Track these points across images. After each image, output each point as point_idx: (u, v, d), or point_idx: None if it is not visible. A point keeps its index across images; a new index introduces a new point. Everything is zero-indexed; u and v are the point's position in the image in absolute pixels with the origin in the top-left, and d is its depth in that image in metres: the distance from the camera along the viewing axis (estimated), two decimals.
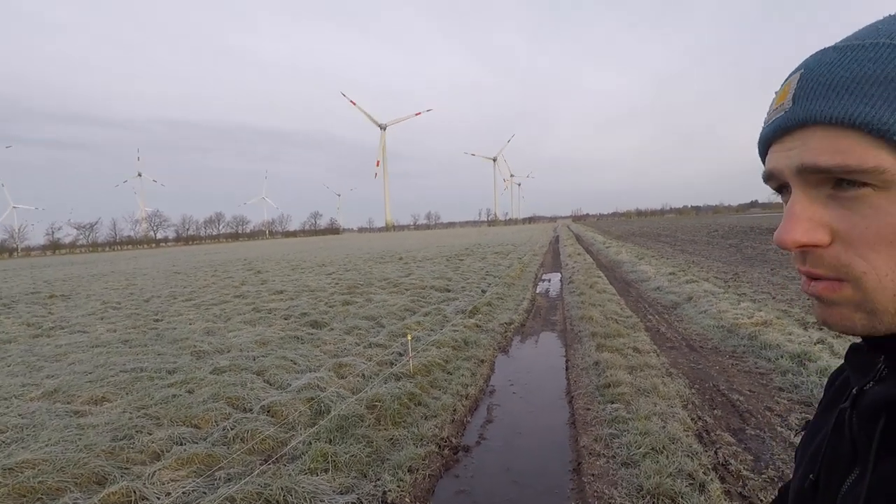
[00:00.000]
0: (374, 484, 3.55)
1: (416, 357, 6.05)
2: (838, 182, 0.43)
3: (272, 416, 4.72)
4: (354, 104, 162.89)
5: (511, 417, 4.91)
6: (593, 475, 3.59)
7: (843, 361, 0.58)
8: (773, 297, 9.68)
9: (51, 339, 9.06)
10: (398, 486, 3.49)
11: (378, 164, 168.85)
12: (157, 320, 10.47)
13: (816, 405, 0.66)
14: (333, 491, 3.41)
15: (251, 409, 4.90)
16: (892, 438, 0.42)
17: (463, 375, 5.81)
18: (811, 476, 0.52)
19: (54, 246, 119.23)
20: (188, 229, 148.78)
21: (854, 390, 0.49)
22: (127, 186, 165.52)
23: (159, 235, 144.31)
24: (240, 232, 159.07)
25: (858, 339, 0.50)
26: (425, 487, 3.60)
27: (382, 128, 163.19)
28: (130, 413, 4.87)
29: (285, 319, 9.64)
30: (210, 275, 21.14)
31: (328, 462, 3.71)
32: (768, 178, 0.49)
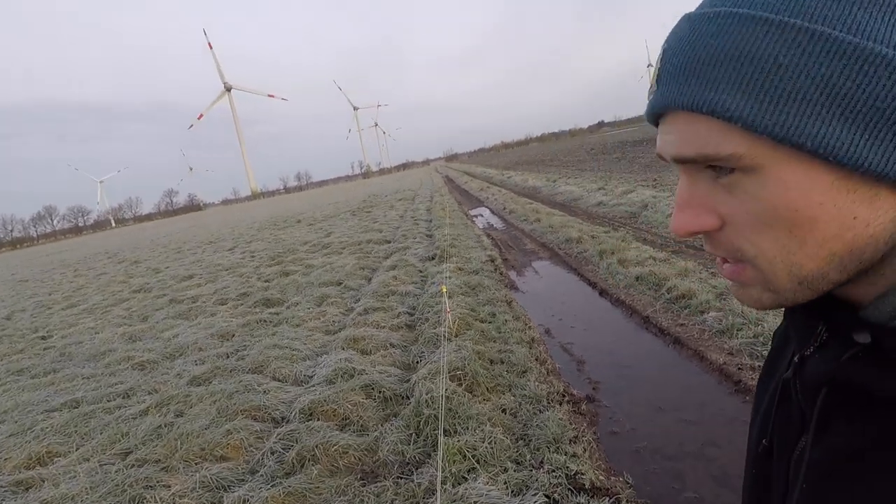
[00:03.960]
0: (545, 467, 2.70)
1: (438, 311, 5.10)
2: (714, 166, 0.39)
3: (325, 420, 3.57)
4: (211, 48, 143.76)
5: (597, 353, 4.27)
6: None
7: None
8: None
9: None
10: (577, 466, 2.68)
11: (200, 118, 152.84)
12: (44, 337, 8.16)
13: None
14: (506, 496, 2.51)
15: (287, 419, 3.69)
16: (831, 413, 0.40)
17: (506, 321, 5.01)
18: (764, 441, 0.51)
19: None
20: (12, 230, 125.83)
21: (796, 358, 0.46)
22: None
23: None
24: (81, 225, 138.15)
25: None
26: (599, 456, 2.84)
27: (227, 88, 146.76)
28: (110, 464, 3.43)
29: (222, 304, 8.01)
30: (72, 275, 17.56)
31: (469, 460, 2.77)
32: (659, 157, 0.44)
